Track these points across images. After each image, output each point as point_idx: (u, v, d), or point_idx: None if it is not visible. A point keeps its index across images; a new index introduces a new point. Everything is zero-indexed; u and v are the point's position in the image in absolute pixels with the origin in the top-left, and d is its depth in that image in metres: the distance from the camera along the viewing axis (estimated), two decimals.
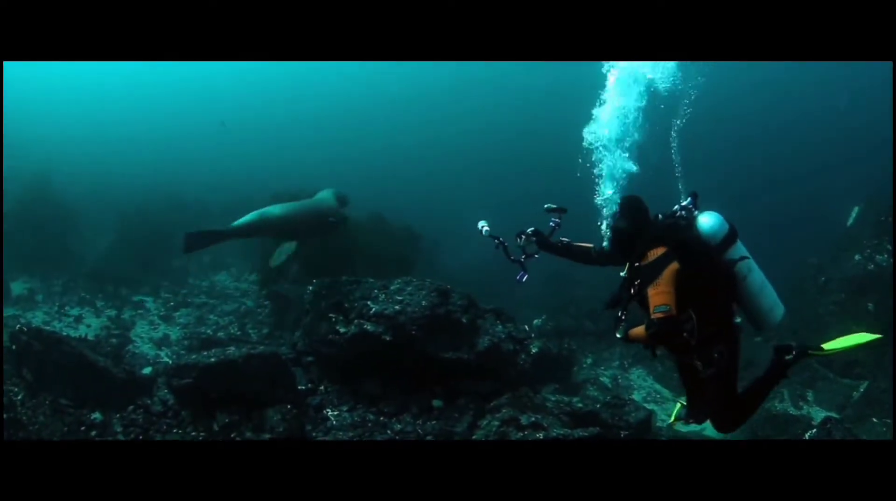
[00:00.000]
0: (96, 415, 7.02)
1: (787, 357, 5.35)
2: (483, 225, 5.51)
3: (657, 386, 14.25)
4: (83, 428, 6.80)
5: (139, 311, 14.05)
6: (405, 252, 12.86)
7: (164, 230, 18.27)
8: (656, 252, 4.69)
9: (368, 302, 7.87)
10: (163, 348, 12.08)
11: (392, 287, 8.14)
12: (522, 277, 5.40)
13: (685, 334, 4.63)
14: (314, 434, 7.22)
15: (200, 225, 13.05)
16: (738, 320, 4.96)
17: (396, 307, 7.72)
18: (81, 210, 18.47)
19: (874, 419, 10.99)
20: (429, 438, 7.27)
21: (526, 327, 8.98)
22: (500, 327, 8.36)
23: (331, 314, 8.09)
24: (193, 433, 6.95)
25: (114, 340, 11.79)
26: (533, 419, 6.81)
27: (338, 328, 7.91)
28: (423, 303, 7.79)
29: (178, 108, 51.42)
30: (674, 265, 4.61)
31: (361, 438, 7.18)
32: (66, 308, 13.43)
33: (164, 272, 17.03)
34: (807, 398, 13.11)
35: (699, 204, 5.02)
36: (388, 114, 52.29)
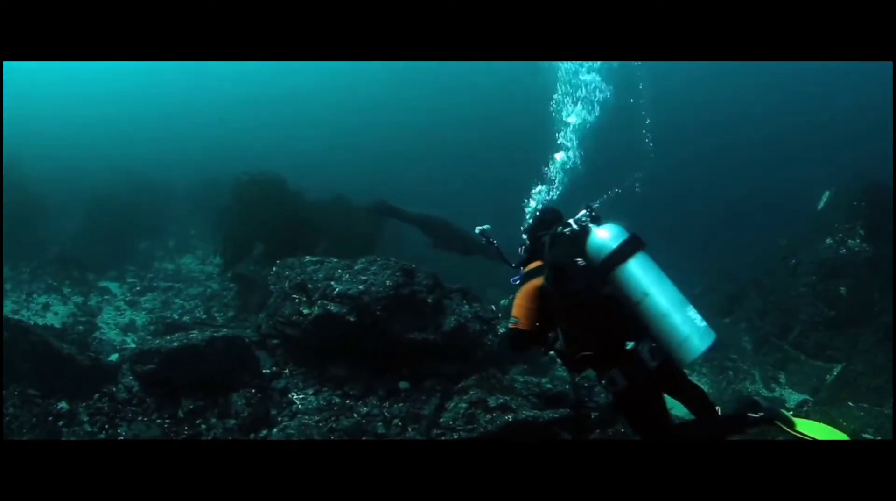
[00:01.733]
0: (63, 404, 6.87)
1: (751, 415, 4.96)
2: (482, 229, 5.55)
3: None
4: (50, 419, 6.63)
5: (105, 297, 13.87)
6: (368, 231, 12.71)
7: (131, 214, 18.12)
8: (532, 265, 4.96)
9: (332, 282, 7.65)
10: (129, 333, 11.94)
11: (356, 267, 7.95)
12: (515, 280, 5.21)
13: (553, 350, 4.88)
14: (279, 419, 7.04)
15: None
16: (632, 345, 4.58)
17: (360, 287, 7.51)
18: (49, 195, 18.24)
19: (850, 403, 10.97)
20: (396, 421, 7.10)
21: (493, 307, 8.79)
22: (466, 307, 8.20)
23: (294, 295, 7.89)
24: (158, 421, 6.81)
25: (80, 327, 11.70)
26: (501, 400, 6.67)
27: (301, 309, 7.71)
28: (388, 283, 7.60)
29: (144, 89, 50.98)
30: (537, 281, 4.79)
31: (327, 422, 7.00)
32: (34, 296, 13.18)
33: (131, 256, 16.80)
34: (779, 379, 13.14)
35: (598, 217, 4.94)
36: (355, 97, 52.16)
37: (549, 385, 7.65)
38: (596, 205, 5.12)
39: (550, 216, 5.21)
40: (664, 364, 4.60)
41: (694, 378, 13.61)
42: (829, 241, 15.11)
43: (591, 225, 4.84)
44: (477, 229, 5.59)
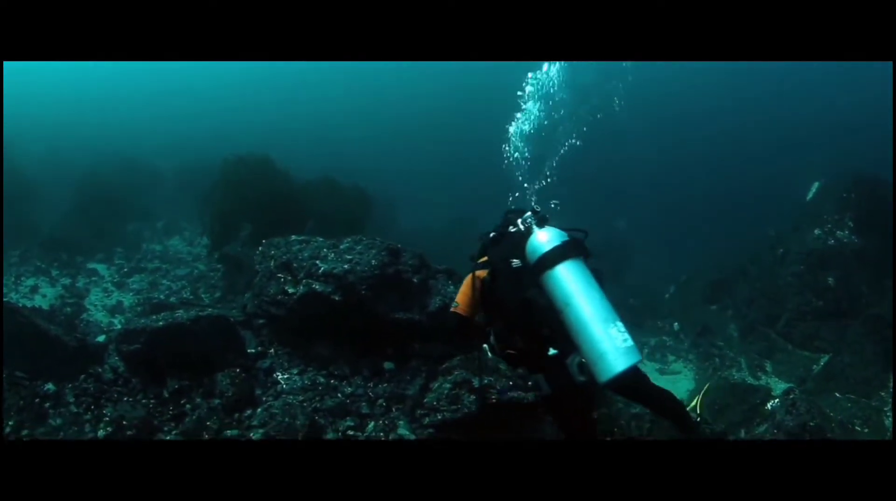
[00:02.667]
0: (49, 386, 6.75)
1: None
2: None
3: None
4: (37, 400, 6.52)
5: (93, 278, 13.83)
6: (356, 213, 12.69)
7: (119, 196, 18.09)
8: (483, 259, 5.10)
9: (317, 261, 7.60)
10: (116, 315, 11.90)
11: (342, 246, 7.89)
12: None
13: (486, 343, 5.03)
14: (264, 399, 6.99)
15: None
16: (554, 353, 4.61)
17: (345, 267, 7.47)
18: (38, 179, 18.21)
19: (836, 394, 11.03)
20: (380, 402, 7.09)
21: None
22: (451, 287, 8.15)
23: (279, 275, 7.85)
24: (144, 401, 6.71)
25: (68, 309, 11.67)
26: (486, 381, 6.65)
27: (286, 288, 7.67)
28: (373, 262, 7.55)
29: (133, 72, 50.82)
30: (482, 272, 4.96)
31: (311, 402, 6.96)
32: (22, 279, 13.15)
33: (119, 238, 16.74)
34: (765, 368, 13.17)
35: (545, 218, 5.04)
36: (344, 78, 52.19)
37: None
38: (556, 203, 5.30)
39: (513, 215, 5.22)
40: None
41: (679, 365, 13.80)
42: (817, 231, 15.15)
43: (534, 227, 4.90)
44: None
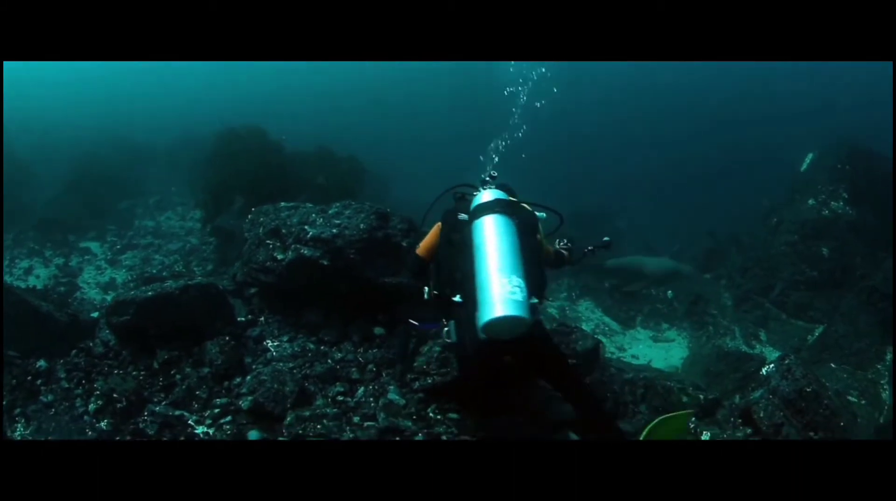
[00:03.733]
0: (41, 363, 6.77)
1: None
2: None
3: (606, 319, 14.47)
4: (29, 378, 6.55)
5: (86, 257, 13.85)
6: (349, 183, 12.65)
7: (112, 173, 18.06)
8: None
9: (306, 227, 7.56)
10: (109, 292, 11.91)
11: (331, 211, 7.85)
12: None
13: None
14: (254, 366, 6.98)
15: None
16: (458, 298, 4.79)
17: (334, 231, 7.43)
18: (32, 160, 18.19)
19: (832, 365, 11.05)
20: (370, 367, 7.07)
21: None
22: None
23: (268, 241, 7.81)
24: (134, 373, 6.72)
25: (62, 288, 11.70)
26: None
27: (275, 254, 7.63)
28: (362, 226, 7.50)
29: None
30: (440, 223, 5.59)
31: (301, 368, 6.94)
32: (17, 261, 13.19)
33: (111, 215, 16.71)
34: (759, 337, 13.19)
35: (503, 184, 5.56)
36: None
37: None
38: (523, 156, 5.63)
39: (481, 181, 5.64)
40: (518, 343, 4.59)
41: (673, 333, 13.79)
42: (811, 202, 15.15)
43: (482, 188, 5.34)
44: None
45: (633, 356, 12.57)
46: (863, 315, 11.76)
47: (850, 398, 9.46)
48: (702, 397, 7.12)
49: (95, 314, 8.71)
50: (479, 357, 5.01)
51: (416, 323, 5.60)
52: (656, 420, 5.71)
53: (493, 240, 4.69)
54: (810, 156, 17.04)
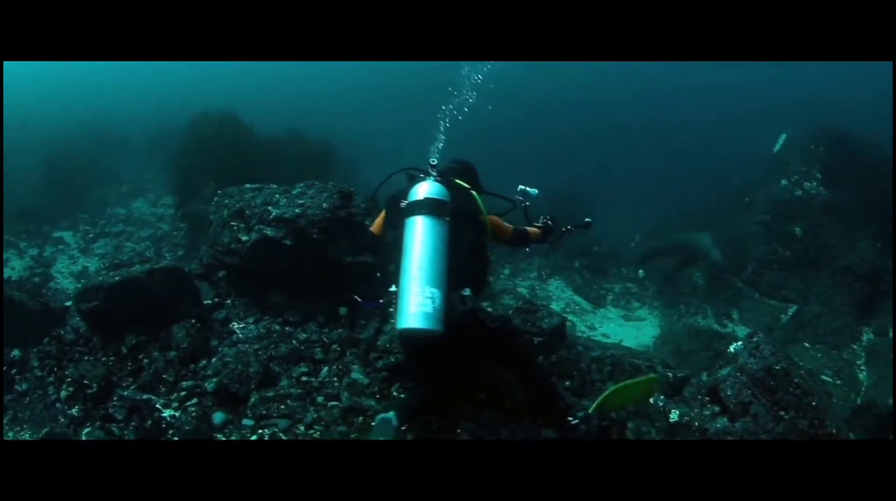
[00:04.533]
0: (15, 352, 6.80)
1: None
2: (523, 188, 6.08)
3: (576, 298, 14.53)
4: (4, 368, 6.58)
5: (60, 246, 13.82)
6: (320, 167, 12.63)
7: (86, 163, 17.97)
8: None
9: (269, 207, 7.50)
10: (82, 280, 11.85)
11: (294, 191, 7.80)
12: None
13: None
14: (220, 349, 6.96)
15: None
16: (393, 289, 4.97)
17: (297, 211, 7.37)
18: (9, 152, 18.03)
19: (806, 344, 11.11)
20: (335, 347, 7.05)
21: None
22: None
23: (233, 223, 7.73)
24: (104, 358, 6.74)
25: (36, 278, 11.71)
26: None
27: (240, 236, 7.56)
28: (325, 205, 7.46)
29: None
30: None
31: (266, 350, 6.93)
32: None
33: (85, 204, 16.62)
34: (732, 316, 13.24)
35: (443, 171, 5.63)
36: None
37: (489, 309, 7.63)
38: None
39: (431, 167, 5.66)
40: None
41: (644, 312, 13.85)
42: (784, 182, 15.26)
43: (425, 177, 5.38)
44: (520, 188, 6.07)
45: (603, 335, 12.58)
46: (837, 295, 11.89)
47: (824, 377, 9.51)
48: (671, 375, 7.11)
49: (69, 303, 8.70)
50: (404, 345, 5.56)
51: (359, 299, 5.61)
52: (619, 385, 5.76)
53: (417, 246, 4.87)
54: (783, 137, 17.13)
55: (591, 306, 14.19)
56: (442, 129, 6.07)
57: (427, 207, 5.01)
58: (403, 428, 5.21)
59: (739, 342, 6.41)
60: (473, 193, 5.56)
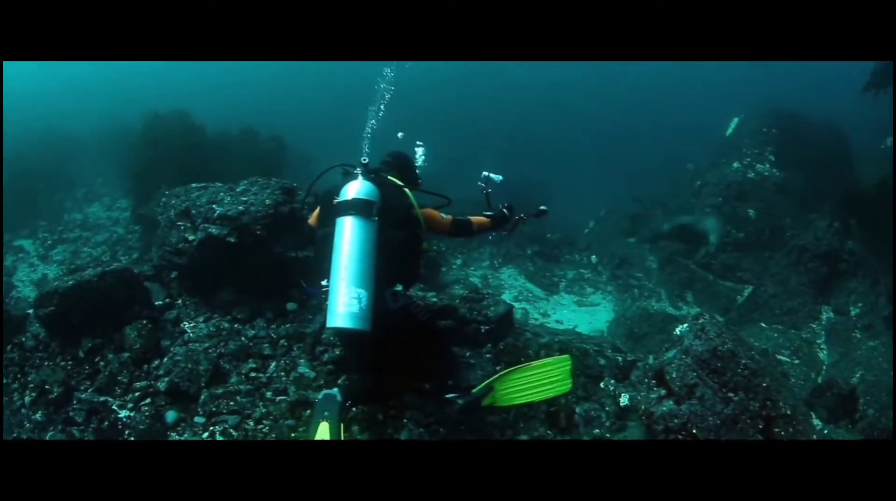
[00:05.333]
0: None
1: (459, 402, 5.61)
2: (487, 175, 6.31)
3: (529, 285, 14.57)
4: None
5: (20, 255, 13.72)
6: (270, 163, 12.67)
7: (42, 169, 17.85)
8: None
9: (214, 205, 7.56)
10: (42, 288, 11.76)
11: (238, 189, 7.88)
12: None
13: None
14: (171, 348, 7.04)
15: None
16: (325, 284, 5.08)
17: (240, 208, 7.44)
18: None
19: (762, 324, 11.22)
20: (282, 342, 7.16)
21: None
22: None
23: (180, 223, 7.78)
24: (63, 363, 6.84)
25: None
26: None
27: (186, 235, 7.60)
28: (267, 201, 7.54)
29: None
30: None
31: (216, 347, 7.02)
32: None
33: (42, 211, 16.55)
34: (686, 298, 13.32)
35: (374, 170, 5.59)
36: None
37: (434, 299, 7.71)
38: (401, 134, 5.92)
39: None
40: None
41: (598, 297, 13.96)
42: (736, 165, 15.43)
43: (353, 174, 5.41)
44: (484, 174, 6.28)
45: (557, 321, 12.66)
46: (793, 275, 12.02)
47: (781, 357, 9.55)
48: (620, 359, 7.23)
49: (31, 311, 8.74)
50: (341, 340, 5.79)
51: (304, 286, 5.72)
52: (517, 369, 5.96)
53: (345, 247, 4.97)
54: (735, 120, 17.31)
55: (545, 293, 14.27)
56: (369, 127, 6.09)
57: (355, 207, 5.09)
58: (348, 405, 5.27)
59: (685, 324, 6.45)
60: (406, 190, 5.60)
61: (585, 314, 13.23)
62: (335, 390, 5.24)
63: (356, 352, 5.78)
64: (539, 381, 5.87)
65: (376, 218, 5.12)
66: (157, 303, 7.81)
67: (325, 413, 5.06)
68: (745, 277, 13.39)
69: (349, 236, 4.99)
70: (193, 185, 8.21)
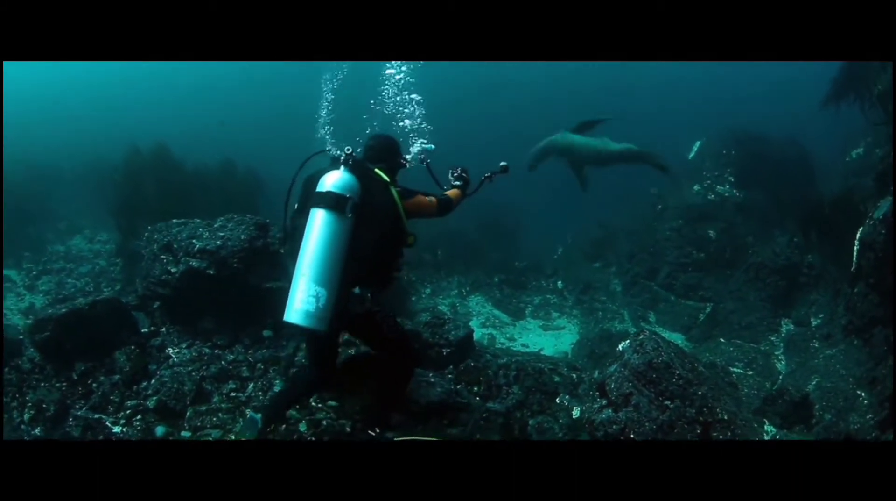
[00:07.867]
0: None
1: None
2: (422, 143, 6.20)
3: (496, 312, 14.85)
4: None
5: (7, 284, 13.93)
6: (247, 198, 13.12)
7: (25, 201, 18.03)
8: None
9: (194, 240, 8.19)
10: (30, 316, 12.07)
11: (216, 224, 8.53)
12: None
13: None
14: (158, 372, 7.58)
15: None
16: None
17: (218, 243, 8.11)
18: None
19: (721, 339, 11.53)
20: (259, 365, 7.75)
21: None
22: None
23: (162, 256, 8.34)
24: (58, 385, 7.36)
25: None
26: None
27: (169, 268, 8.18)
28: (243, 236, 8.21)
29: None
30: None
31: (199, 371, 7.57)
32: None
33: (27, 243, 16.79)
34: (648, 319, 13.67)
35: (356, 161, 5.23)
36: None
37: (407, 324, 8.21)
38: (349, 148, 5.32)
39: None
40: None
41: (563, 321, 14.34)
42: (696, 187, 15.79)
43: (332, 167, 5.24)
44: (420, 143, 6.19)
45: (523, 345, 12.94)
46: (752, 291, 12.39)
47: (734, 369, 9.66)
48: (574, 376, 7.76)
49: (21, 337, 9.08)
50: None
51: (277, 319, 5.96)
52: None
53: (312, 242, 4.91)
54: (698, 143, 17.73)
55: (511, 318, 14.61)
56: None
57: (327, 201, 4.93)
58: (268, 430, 5.65)
59: (627, 341, 6.99)
60: (392, 188, 5.32)
61: (551, 338, 13.55)
62: (258, 415, 5.52)
63: (310, 344, 5.81)
64: None
65: (350, 215, 4.94)
66: (142, 330, 8.33)
67: (247, 433, 5.45)
68: (706, 295, 13.65)
69: (317, 230, 4.88)
70: (174, 221, 8.76)
